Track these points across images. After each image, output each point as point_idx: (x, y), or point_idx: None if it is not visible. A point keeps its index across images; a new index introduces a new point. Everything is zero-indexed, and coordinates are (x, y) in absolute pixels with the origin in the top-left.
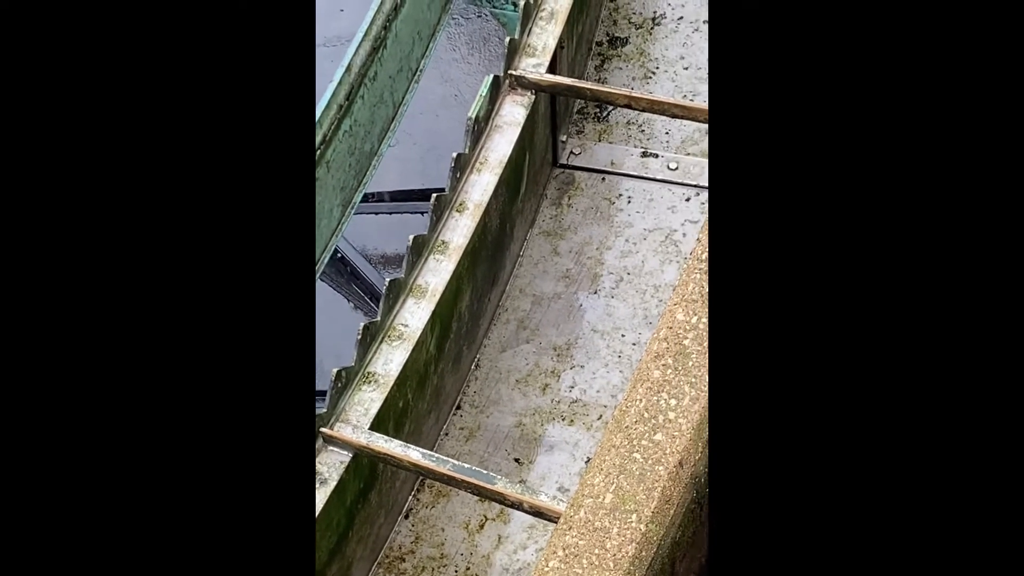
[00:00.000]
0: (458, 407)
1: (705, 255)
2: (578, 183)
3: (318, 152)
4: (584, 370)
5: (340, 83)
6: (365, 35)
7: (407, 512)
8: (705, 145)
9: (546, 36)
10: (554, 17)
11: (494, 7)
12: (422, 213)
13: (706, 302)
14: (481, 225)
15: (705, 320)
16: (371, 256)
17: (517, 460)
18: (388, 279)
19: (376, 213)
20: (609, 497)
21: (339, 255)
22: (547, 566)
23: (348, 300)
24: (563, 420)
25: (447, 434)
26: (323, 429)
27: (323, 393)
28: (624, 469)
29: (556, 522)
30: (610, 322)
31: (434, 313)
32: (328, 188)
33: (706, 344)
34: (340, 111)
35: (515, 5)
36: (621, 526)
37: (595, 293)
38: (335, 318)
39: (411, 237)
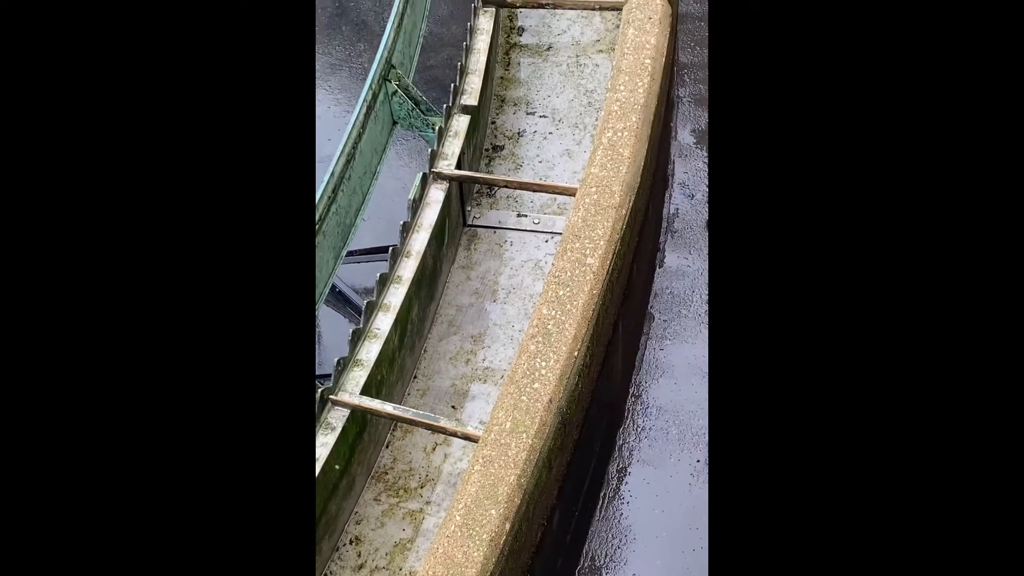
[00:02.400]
0: (415, 377)
1: (557, 274)
2: (479, 235)
3: (318, 226)
4: (491, 349)
5: (328, 183)
6: (341, 152)
7: (387, 444)
8: (555, 207)
9: (454, 147)
10: (458, 135)
11: (420, 132)
12: (385, 260)
13: (562, 303)
14: (421, 264)
15: (561, 313)
16: (356, 288)
17: (453, 407)
18: (365, 301)
19: (358, 262)
20: (509, 424)
21: (337, 289)
22: (473, 469)
23: (344, 317)
24: (480, 380)
25: (409, 394)
26: (331, 396)
27: (329, 375)
28: (517, 407)
29: (477, 442)
30: (505, 319)
31: (395, 320)
32: (325, 248)
33: (562, 326)
34: (329, 201)
35: (433, 130)
36: (517, 442)
37: (495, 302)
38: (336, 328)
39: (378, 274)
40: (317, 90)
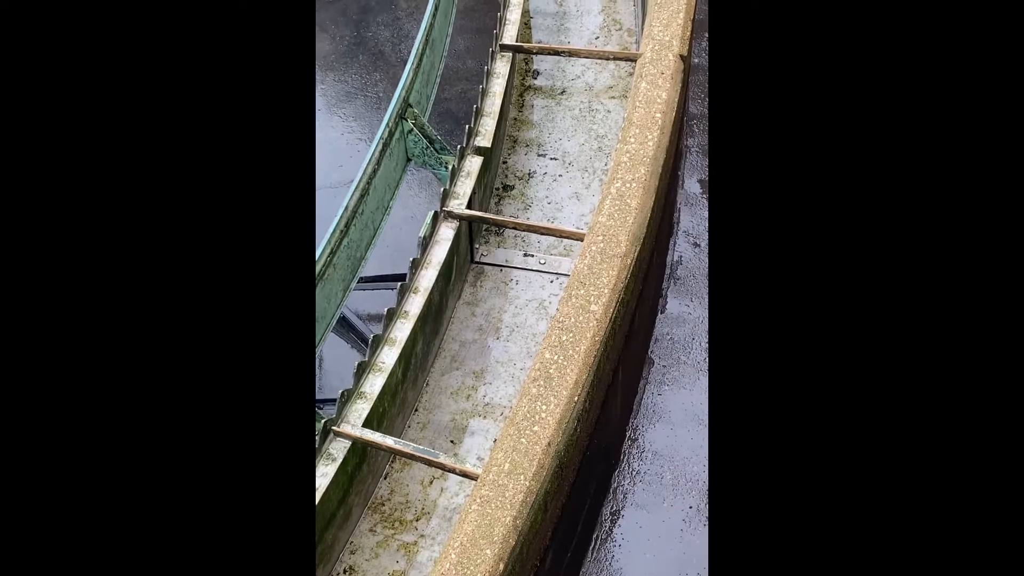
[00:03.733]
0: (416, 410)
1: (561, 320)
2: (486, 272)
3: (329, 259)
4: (492, 386)
5: (341, 217)
6: (356, 188)
7: (385, 475)
8: (561, 248)
9: (465, 187)
10: (470, 175)
11: (434, 169)
12: (391, 288)
13: (565, 348)
14: (428, 300)
15: (563, 358)
16: (360, 314)
17: (452, 441)
18: (372, 336)
19: (363, 289)
20: (507, 465)
21: (342, 316)
22: (470, 508)
23: (347, 342)
24: (480, 416)
25: (409, 427)
26: (333, 427)
27: (332, 401)
28: (516, 448)
29: (476, 480)
30: (507, 357)
31: (400, 354)
32: (334, 280)
33: (563, 371)
34: (341, 234)
35: (446, 168)
36: (515, 483)
37: (498, 339)
38: (340, 356)
39: (387, 309)
40: (331, 117)
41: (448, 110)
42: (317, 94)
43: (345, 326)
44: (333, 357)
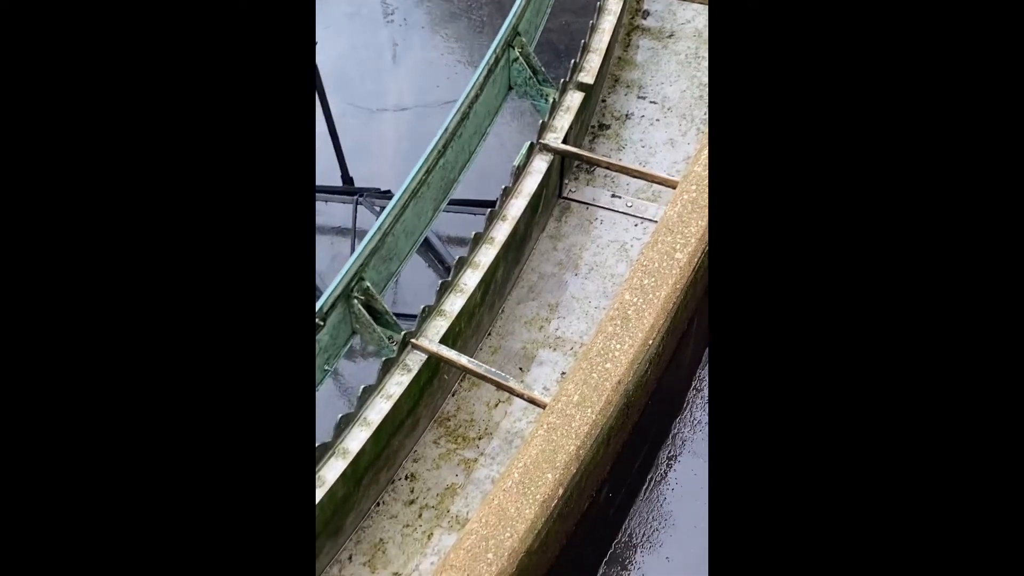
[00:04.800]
0: (489, 334)
1: (645, 264)
2: (572, 209)
3: (424, 177)
4: (565, 320)
5: (440, 139)
6: (457, 110)
7: (454, 392)
8: (650, 193)
9: (563, 121)
10: (569, 110)
11: (534, 100)
12: (473, 214)
13: (645, 292)
14: (514, 229)
15: (643, 301)
16: (440, 235)
17: (520, 369)
18: (457, 257)
19: (447, 211)
20: (576, 397)
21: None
22: (537, 433)
23: (425, 263)
24: (551, 348)
25: (481, 349)
26: (412, 340)
27: (409, 317)
28: (586, 383)
29: (543, 408)
30: (583, 293)
31: (482, 278)
32: (426, 199)
33: (642, 313)
34: (439, 155)
35: (546, 100)
36: (581, 415)
37: (576, 275)
38: (416, 273)
39: (473, 233)
40: (434, 36)
41: (549, 40)
42: (422, 12)
43: (424, 245)
44: (408, 274)
